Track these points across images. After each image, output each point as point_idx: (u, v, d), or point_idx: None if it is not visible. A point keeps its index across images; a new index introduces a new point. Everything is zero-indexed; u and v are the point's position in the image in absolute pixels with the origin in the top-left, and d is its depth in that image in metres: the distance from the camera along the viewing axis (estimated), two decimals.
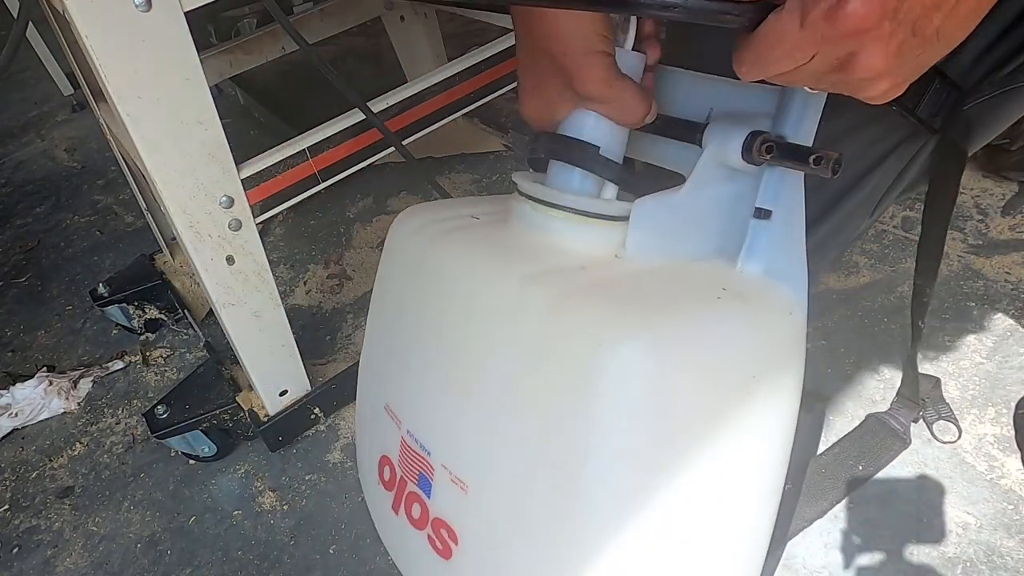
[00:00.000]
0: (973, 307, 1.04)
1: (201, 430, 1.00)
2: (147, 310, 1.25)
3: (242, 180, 0.79)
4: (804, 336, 0.44)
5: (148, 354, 1.25)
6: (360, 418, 0.61)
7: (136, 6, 0.62)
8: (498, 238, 0.47)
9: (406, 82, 0.94)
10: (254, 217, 0.82)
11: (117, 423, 1.15)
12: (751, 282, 0.44)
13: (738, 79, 0.35)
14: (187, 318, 1.26)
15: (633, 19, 0.44)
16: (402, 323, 0.51)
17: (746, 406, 0.40)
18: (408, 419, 0.49)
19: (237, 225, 0.80)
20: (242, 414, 1.00)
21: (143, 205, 1.25)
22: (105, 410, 1.17)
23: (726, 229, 0.45)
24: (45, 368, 1.25)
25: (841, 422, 0.92)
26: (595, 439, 0.37)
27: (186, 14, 0.66)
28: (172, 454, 1.07)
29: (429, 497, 0.47)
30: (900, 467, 0.87)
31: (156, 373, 1.22)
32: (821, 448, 0.90)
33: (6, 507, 1.06)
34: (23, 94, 2.20)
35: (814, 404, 0.95)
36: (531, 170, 0.52)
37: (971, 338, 1.00)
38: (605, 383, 0.36)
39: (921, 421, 0.90)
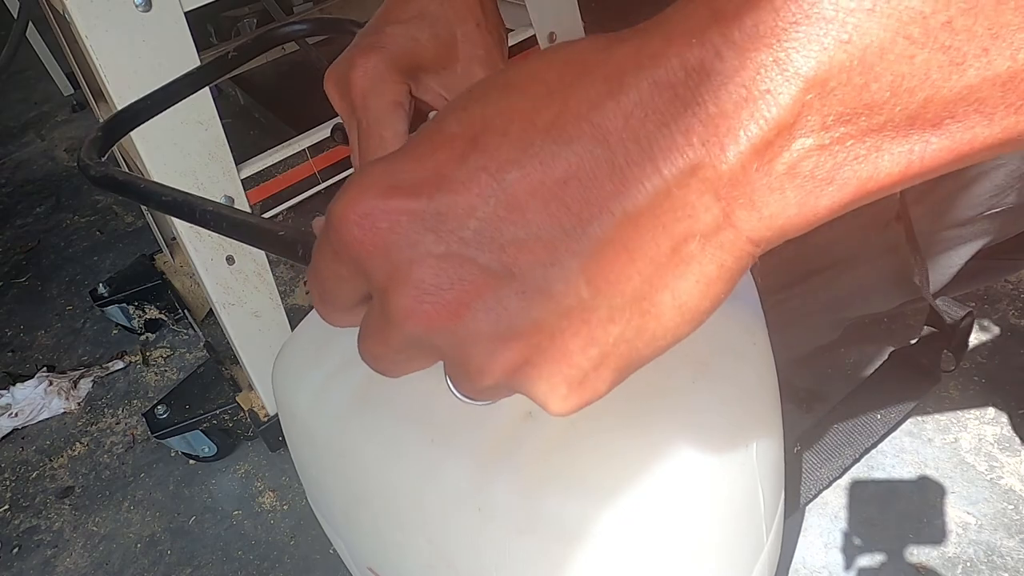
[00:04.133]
0: (973, 307, 1.04)
1: (201, 430, 1.00)
2: (147, 310, 1.25)
3: (242, 180, 0.79)
4: (771, 356, 0.41)
5: (148, 354, 1.25)
6: (336, 546, 0.53)
7: (136, 6, 0.62)
8: (410, 399, 0.38)
9: None
10: None
11: (117, 423, 1.15)
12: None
13: None
14: (187, 318, 1.26)
15: None
16: (359, 498, 0.41)
17: (733, 455, 0.37)
18: None
19: None
20: (242, 414, 1.00)
21: (143, 205, 1.25)
22: (105, 410, 1.17)
23: None
24: (45, 368, 1.25)
25: None
26: None
27: (186, 14, 0.66)
28: (172, 454, 1.07)
29: None
30: (900, 467, 0.87)
31: (156, 373, 1.22)
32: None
33: (6, 507, 1.06)
34: (23, 94, 2.20)
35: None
36: None
37: (971, 338, 1.00)
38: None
39: (920, 419, 0.90)
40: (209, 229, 0.26)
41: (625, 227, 0.18)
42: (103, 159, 0.31)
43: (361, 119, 0.35)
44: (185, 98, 0.37)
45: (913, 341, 0.82)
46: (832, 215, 0.19)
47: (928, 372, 0.80)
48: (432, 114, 0.38)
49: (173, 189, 0.28)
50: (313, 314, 0.47)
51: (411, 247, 0.19)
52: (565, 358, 0.19)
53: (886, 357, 0.85)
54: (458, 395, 0.23)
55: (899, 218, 0.53)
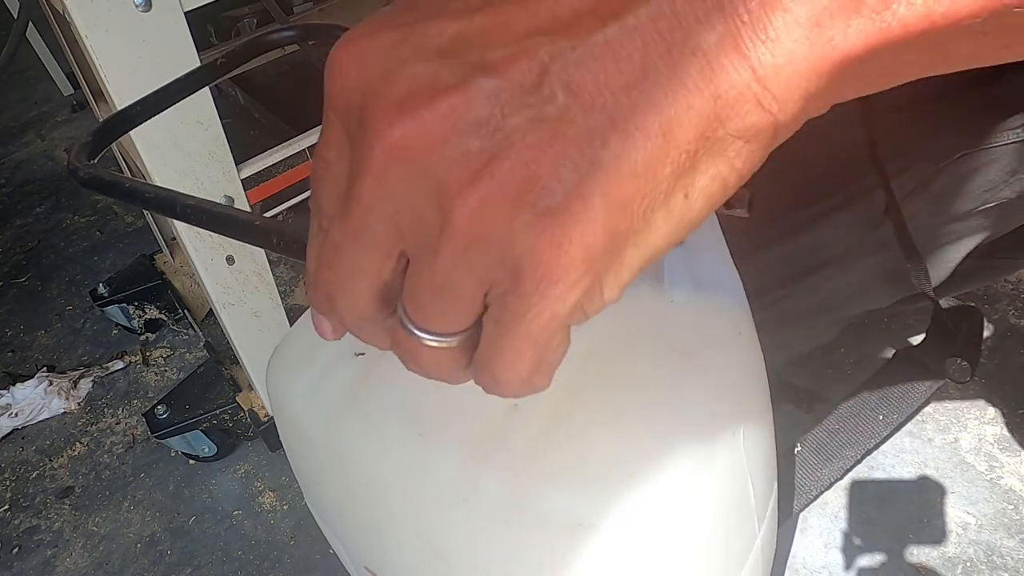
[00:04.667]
0: (973, 305, 1.04)
1: (201, 430, 1.00)
2: (147, 310, 1.25)
3: (242, 180, 0.79)
4: (757, 345, 0.40)
5: (148, 354, 1.25)
6: (334, 547, 0.54)
7: (136, 6, 0.62)
8: (399, 394, 0.37)
9: None
10: None
11: (117, 423, 1.15)
12: (688, 309, 0.39)
13: None
14: (187, 318, 1.25)
15: None
16: (353, 495, 0.41)
17: (720, 445, 0.36)
18: None
19: None
20: (242, 414, 1.00)
21: None
22: (105, 410, 1.17)
23: None
24: (45, 368, 1.25)
25: None
26: None
27: (186, 14, 0.66)
28: (172, 454, 1.07)
29: None
30: (900, 467, 0.87)
31: (156, 373, 1.22)
32: None
33: (6, 507, 1.06)
34: (23, 94, 2.20)
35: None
36: None
37: None
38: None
39: (920, 419, 0.90)
40: (189, 223, 0.27)
41: (618, 36, 0.17)
42: (94, 162, 0.31)
43: None
44: (177, 102, 0.38)
45: (917, 341, 0.82)
46: (846, 56, 0.17)
47: (933, 373, 0.80)
48: None
49: (156, 187, 0.29)
50: (306, 315, 0.47)
51: (387, 61, 0.18)
52: (537, 180, 0.17)
53: (889, 357, 0.85)
54: (414, 327, 0.20)
55: (887, 212, 0.53)
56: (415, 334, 0.20)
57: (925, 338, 0.81)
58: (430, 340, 0.20)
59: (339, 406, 0.39)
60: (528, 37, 0.17)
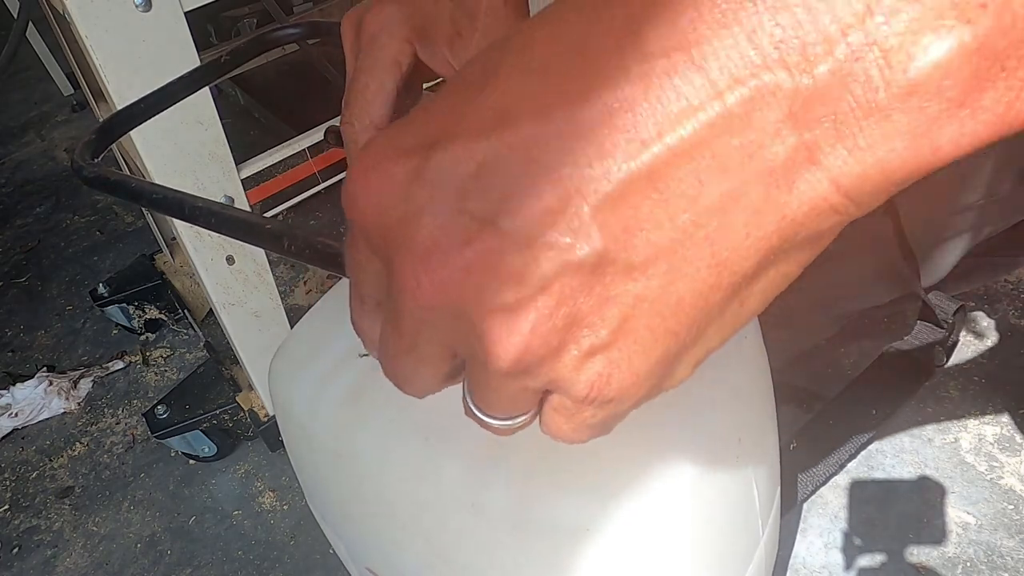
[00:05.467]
0: (973, 307, 1.04)
1: (201, 430, 1.00)
2: (147, 310, 1.25)
3: (242, 180, 0.79)
4: (763, 348, 0.41)
5: (148, 354, 1.25)
6: (335, 548, 0.54)
7: (136, 6, 0.62)
8: (404, 396, 0.39)
9: None
10: None
11: (117, 423, 1.15)
12: None
13: None
14: (187, 318, 1.26)
15: None
16: (356, 497, 0.41)
17: (725, 450, 0.37)
18: None
19: None
20: (242, 414, 1.00)
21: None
22: (105, 410, 1.17)
23: None
24: (45, 368, 1.25)
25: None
26: None
27: (186, 14, 0.66)
28: (172, 454, 1.07)
29: None
30: (900, 467, 0.87)
31: (156, 373, 1.22)
32: None
33: (6, 507, 1.06)
34: (23, 94, 2.20)
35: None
36: None
37: (971, 338, 1.00)
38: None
39: (920, 419, 0.90)
40: (198, 225, 0.26)
41: (660, 163, 0.15)
42: (97, 160, 0.31)
43: (359, 62, 0.34)
44: (179, 101, 0.38)
45: (906, 337, 0.83)
46: (948, 159, 0.14)
47: (921, 366, 0.81)
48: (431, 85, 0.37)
49: (163, 187, 0.28)
50: (309, 315, 0.47)
51: (404, 202, 0.17)
52: (579, 322, 0.16)
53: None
54: (480, 414, 0.20)
55: (887, 212, 0.53)
56: (483, 420, 0.20)
57: (915, 334, 0.82)
58: (498, 424, 0.20)
59: (343, 407, 0.39)
60: (555, 168, 0.15)
